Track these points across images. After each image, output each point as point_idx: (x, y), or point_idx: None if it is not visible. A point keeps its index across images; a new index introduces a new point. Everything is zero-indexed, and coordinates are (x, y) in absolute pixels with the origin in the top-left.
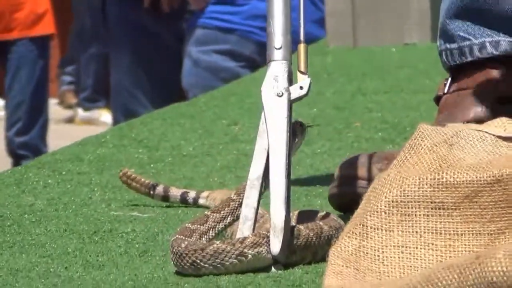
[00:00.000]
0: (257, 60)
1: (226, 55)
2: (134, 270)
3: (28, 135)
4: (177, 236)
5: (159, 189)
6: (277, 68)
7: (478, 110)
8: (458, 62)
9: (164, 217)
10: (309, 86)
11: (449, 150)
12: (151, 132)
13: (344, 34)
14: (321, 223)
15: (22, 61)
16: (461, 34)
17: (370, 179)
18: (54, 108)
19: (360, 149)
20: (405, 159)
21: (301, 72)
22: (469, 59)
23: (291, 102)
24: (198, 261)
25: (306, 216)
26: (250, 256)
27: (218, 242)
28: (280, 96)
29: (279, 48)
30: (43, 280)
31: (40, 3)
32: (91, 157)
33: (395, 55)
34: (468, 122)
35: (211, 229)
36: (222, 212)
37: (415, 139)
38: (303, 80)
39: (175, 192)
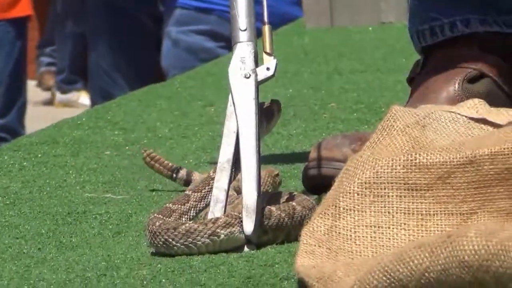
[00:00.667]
0: None
1: (206, 35)
2: (107, 251)
3: (5, 117)
4: (155, 215)
5: (182, 172)
6: (243, 50)
7: (450, 89)
8: (430, 42)
9: (138, 199)
10: (276, 67)
11: (421, 131)
12: (127, 114)
13: (321, 14)
14: (293, 203)
15: (0, 43)
16: (432, 14)
17: (344, 161)
18: (33, 90)
19: (336, 130)
20: (377, 140)
21: (267, 53)
22: (441, 38)
23: (258, 83)
24: (170, 240)
25: (278, 197)
26: (222, 236)
27: (190, 222)
28: (248, 77)
29: (244, 30)
30: (16, 262)
31: None
32: (66, 140)
33: (372, 35)
34: (440, 102)
35: (192, 208)
36: (203, 191)
37: (387, 120)
38: (269, 61)
39: (198, 178)
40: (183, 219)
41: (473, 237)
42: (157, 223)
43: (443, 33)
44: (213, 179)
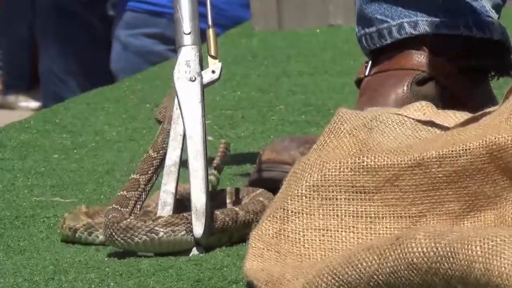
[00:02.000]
0: None
1: (156, 38)
2: (55, 255)
3: None
4: (112, 205)
5: None
6: (188, 53)
7: (399, 91)
8: (378, 45)
9: (87, 202)
10: (221, 70)
11: (368, 133)
12: (75, 117)
13: (269, 17)
14: (236, 208)
15: None
16: (379, 17)
17: (292, 164)
18: None
19: (284, 132)
20: (324, 143)
21: (212, 57)
22: (389, 41)
23: (203, 87)
24: (114, 234)
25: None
26: (162, 233)
27: (133, 218)
28: (193, 80)
29: (189, 33)
30: None
31: None
32: (14, 143)
33: (320, 37)
34: (389, 104)
35: (143, 193)
36: (149, 172)
37: (334, 123)
38: (215, 64)
39: None
40: (138, 206)
41: (422, 239)
42: (110, 215)
43: (391, 36)
44: (154, 158)
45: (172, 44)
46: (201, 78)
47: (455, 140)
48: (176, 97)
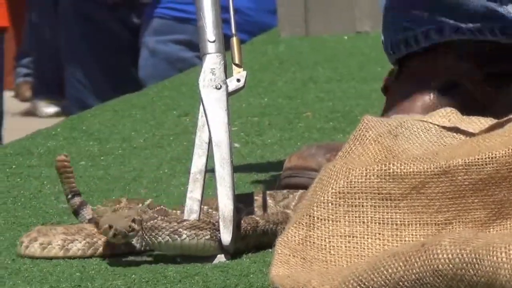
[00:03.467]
0: None
1: (184, 45)
2: (82, 262)
3: None
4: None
5: (77, 200)
6: (213, 61)
7: (425, 98)
8: (404, 53)
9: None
10: (246, 79)
11: (394, 140)
12: (102, 124)
13: (296, 23)
14: (257, 218)
15: None
16: (405, 24)
17: (319, 170)
18: (10, 101)
19: (311, 139)
20: (350, 150)
21: (236, 65)
22: (415, 48)
23: (229, 95)
24: (143, 235)
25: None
26: (185, 236)
27: (160, 218)
28: (219, 88)
29: (213, 42)
30: None
31: None
32: (41, 150)
33: (347, 43)
34: (415, 111)
35: None
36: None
37: (359, 130)
38: (240, 73)
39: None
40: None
41: (447, 245)
42: (144, 216)
43: (417, 43)
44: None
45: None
46: (227, 86)
47: (480, 148)
48: (201, 104)
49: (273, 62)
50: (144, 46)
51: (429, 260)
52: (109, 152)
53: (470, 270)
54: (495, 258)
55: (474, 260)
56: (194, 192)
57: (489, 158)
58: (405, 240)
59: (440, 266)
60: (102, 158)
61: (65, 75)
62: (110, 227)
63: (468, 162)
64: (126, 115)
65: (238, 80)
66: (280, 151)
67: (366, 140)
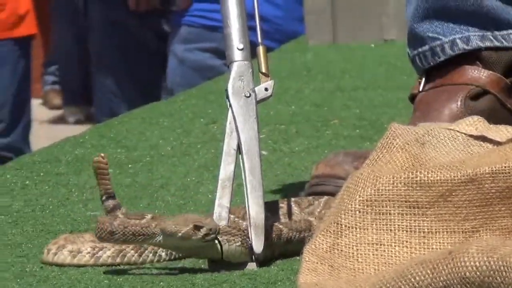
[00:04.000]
0: None
1: (212, 53)
2: (110, 269)
3: (10, 136)
4: None
5: (111, 202)
6: (241, 69)
7: (453, 107)
8: (432, 63)
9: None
10: (273, 88)
11: (421, 148)
12: (130, 131)
13: (323, 31)
14: (281, 226)
15: (4, 62)
16: (431, 35)
17: (346, 178)
18: (38, 109)
19: (338, 146)
20: (377, 158)
21: (263, 74)
22: (442, 58)
23: (257, 103)
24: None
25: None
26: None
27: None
28: (248, 96)
29: (242, 49)
30: (18, 280)
31: (21, 4)
32: (69, 158)
33: (374, 52)
34: (443, 119)
35: None
36: None
37: (387, 138)
38: (267, 82)
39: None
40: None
41: (475, 253)
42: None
43: (444, 53)
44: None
45: None
46: (255, 94)
47: (508, 156)
48: (229, 111)
49: (301, 70)
50: (172, 54)
51: (457, 268)
52: (137, 159)
53: (498, 277)
54: None
55: (502, 267)
56: (223, 199)
57: None
58: (432, 248)
59: (468, 274)
60: (129, 165)
61: (93, 82)
62: (198, 227)
63: (495, 170)
64: (154, 122)
65: (266, 89)
66: (307, 158)
67: (393, 148)
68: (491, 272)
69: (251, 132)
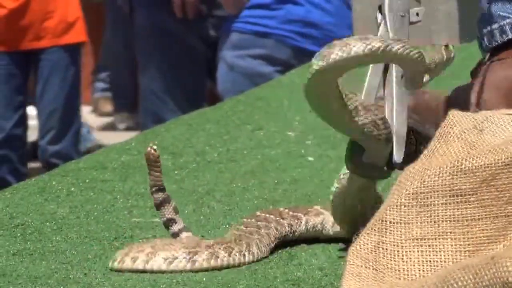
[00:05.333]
0: (294, 64)
1: (262, 59)
2: (154, 275)
3: (60, 143)
4: None
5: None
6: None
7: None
8: (499, 41)
9: (186, 222)
10: (423, 13)
11: (478, 135)
12: (176, 138)
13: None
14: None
15: (54, 69)
16: (502, 13)
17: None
18: (88, 116)
19: None
20: (434, 149)
21: (416, 0)
22: (510, 36)
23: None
24: None
25: None
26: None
27: None
28: (403, 16)
29: None
30: (62, 287)
31: (70, 11)
32: (115, 165)
33: None
34: (501, 100)
35: None
36: None
37: (444, 127)
38: (419, 8)
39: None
40: None
41: None
42: None
43: None
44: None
45: (279, 65)
46: (409, 15)
47: None
48: (382, 25)
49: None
50: (222, 60)
51: (499, 273)
52: (183, 166)
53: None
54: None
55: None
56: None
57: None
58: (476, 237)
59: (510, 279)
60: (175, 172)
61: (141, 88)
62: None
63: None
64: (200, 129)
65: (417, 14)
66: None
67: (450, 137)
68: None
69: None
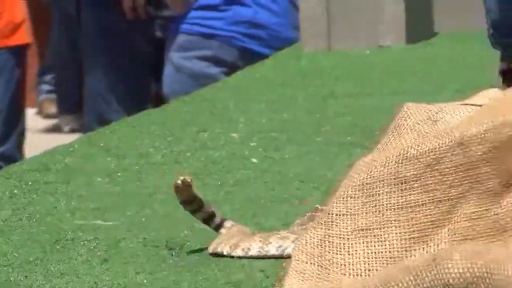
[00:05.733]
0: (240, 65)
1: (209, 61)
2: (94, 278)
3: (4, 145)
4: None
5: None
6: None
7: None
8: None
9: (128, 225)
10: None
11: (432, 126)
12: (120, 140)
13: (318, 38)
14: None
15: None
16: None
17: None
18: (33, 118)
19: (329, 153)
20: (388, 142)
21: None
22: None
23: None
24: None
25: None
26: None
27: None
28: None
29: None
30: None
31: (18, 13)
32: (58, 167)
33: (369, 58)
34: None
35: None
36: None
37: (398, 119)
38: None
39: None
40: None
41: (458, 259)
42: None
43: None
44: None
45: (225, 66)
46: None
47: (497, 113)
48: None
49: (295, 76)
50: (169, 61)
51: (440, 275)
52: (127, 168)
53: (481, 284)
54: (506, 272)
55: (485, 274)
56: None
57: (502, 125)
58: (421, 222)
59: (451, 281)
60: (119, 174)
61: (85, 88)
62: None
63: (483, 131)
64: (144, 131)
65: None
66: (297, 165)
67: (404, 129)
68: (475, 279)
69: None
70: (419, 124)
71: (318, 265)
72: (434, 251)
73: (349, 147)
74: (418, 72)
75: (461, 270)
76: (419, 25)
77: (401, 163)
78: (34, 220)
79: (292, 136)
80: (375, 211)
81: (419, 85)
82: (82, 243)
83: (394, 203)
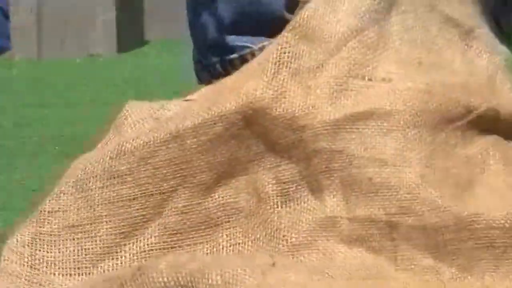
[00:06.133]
0: None
1: None
2: None
3: None
4: None
5: None
6: None
7: None
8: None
9: None
10: None
11: (155, 123)
12: None
13: (29, 47)
14: None
15: None
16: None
17: None
18: None
19: (39, 163)
20: (108, 140)
21: None
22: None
23: None
24: None
25: None
26: None
27: None
28: None
29: None
30: None
31: None
32: None
33: (81, 67)
34: None
35: None
36: None
37: (119, 118)
38: None
39: None
40: None
41: (163, 269)
42: None
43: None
44: None
45: None
46: None
47: (209, 104)
48: None
49: (5, 86)
50: None
51: (145, 284)
52: None
53: None
54: (210, 281)
55: (190, 283)
56: None
57: (218, 117)
58: (132, 217)
59: None
60: None
61: None
62: None
63: (198, 124)
64: None
65: None
66: None
67: (124, 127)
68: (179, 287)
69: None
70: (139, 122)
71: (28, 266)
72: (144, 245)
73: (58, 157)
74: (129, 80)
75: (165, 279)
76: (131, 33)
77: (116, 157)
78: None
79: None
80: (87, 207)
81: (129, 94)
82: None
83: (106, 198)
